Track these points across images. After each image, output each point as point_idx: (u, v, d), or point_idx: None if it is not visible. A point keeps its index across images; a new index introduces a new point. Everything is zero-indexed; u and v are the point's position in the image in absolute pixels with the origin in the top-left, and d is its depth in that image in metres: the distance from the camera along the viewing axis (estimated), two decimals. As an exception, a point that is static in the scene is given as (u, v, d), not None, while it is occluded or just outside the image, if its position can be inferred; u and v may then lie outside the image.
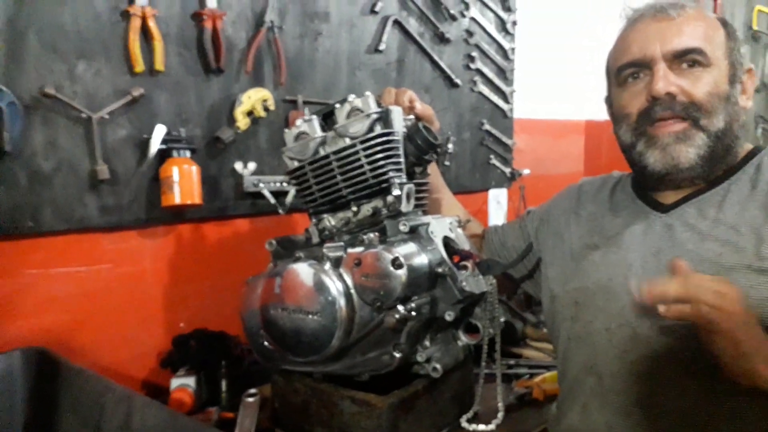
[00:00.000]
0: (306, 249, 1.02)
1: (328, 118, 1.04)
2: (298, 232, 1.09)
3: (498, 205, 2.27)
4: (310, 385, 1.02)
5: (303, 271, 0.96)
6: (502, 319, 0.99)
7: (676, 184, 0.94)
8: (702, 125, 0.88)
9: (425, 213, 1.06)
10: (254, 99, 1.41)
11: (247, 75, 1.42)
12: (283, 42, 1.48)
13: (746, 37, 3.57)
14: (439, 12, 1.93)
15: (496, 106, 2.21)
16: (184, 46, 1.32)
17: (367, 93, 0.98)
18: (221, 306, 1.39)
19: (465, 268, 0.95)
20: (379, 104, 0.99)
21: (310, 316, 0.94)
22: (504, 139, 2.26)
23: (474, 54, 2.08)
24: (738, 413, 0.80)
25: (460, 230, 1.06)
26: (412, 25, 1.84)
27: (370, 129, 0.97)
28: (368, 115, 0.96)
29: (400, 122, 0.99)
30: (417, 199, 1.02)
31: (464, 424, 1.04)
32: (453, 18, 1.98)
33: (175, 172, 1.25)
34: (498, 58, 2.19)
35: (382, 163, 0.95)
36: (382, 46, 1.72)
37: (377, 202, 0.98)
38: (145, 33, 1.24)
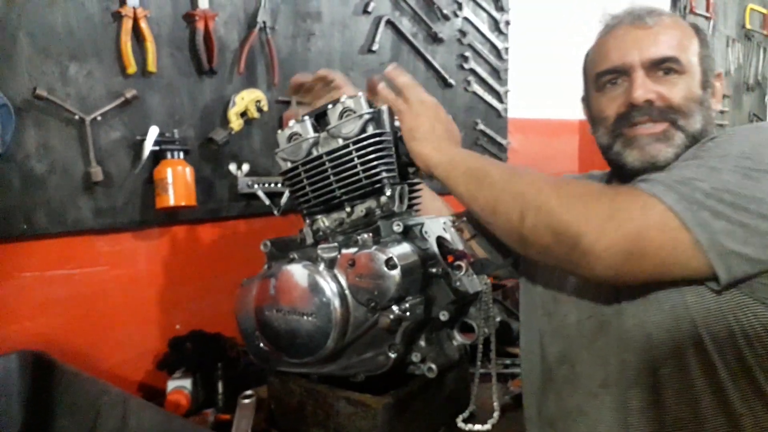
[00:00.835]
0: (300, 250, 1.02)
1: (320, 119, 1.04)
2: (293, 233, 1.09)
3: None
4: (305, 386, 1.02)
5: (297, 272, 0.96)
6: (497, 319, 0.99)
7: None
8: (680, 125, 0.91)
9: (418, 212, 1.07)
10: (247, 100, 1.41)
11: (239, 76, 1.42)
12: (275, 42, 1.47)
13: (739, 36, 3.59)
14: (432, 12, 1.93)
15: (490, 105, 2.22)
16: (176, 47, 1.31)
17: (360, 93, 0.98)
18: (217, 308, 1.39)
19: (459, 267, 0.95)
20: (371, 104, 0.99)
21: (305, 318, 0.94)
22: (498, 138, 2.26)
23: (467, 54, 2.08)
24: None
25: (453, 230, 1.06)
26: (405, 25, 1.84)
27: (363, 129, 0.97)
28: (360, 116, 0.96)
29: (392, 122, 0.99)
30: (410, 199, 1.02)
31: (460, 424, 1.04)
32: (446, 18, 1.98)
33: (169, 174, 1.25)
34: (491, 58, 2.19)
35: (374, 163, 0.95)
36: (375, 47, 1.73)
37: (371, 203, 0.98)
38: (137, 34, 1.24)
